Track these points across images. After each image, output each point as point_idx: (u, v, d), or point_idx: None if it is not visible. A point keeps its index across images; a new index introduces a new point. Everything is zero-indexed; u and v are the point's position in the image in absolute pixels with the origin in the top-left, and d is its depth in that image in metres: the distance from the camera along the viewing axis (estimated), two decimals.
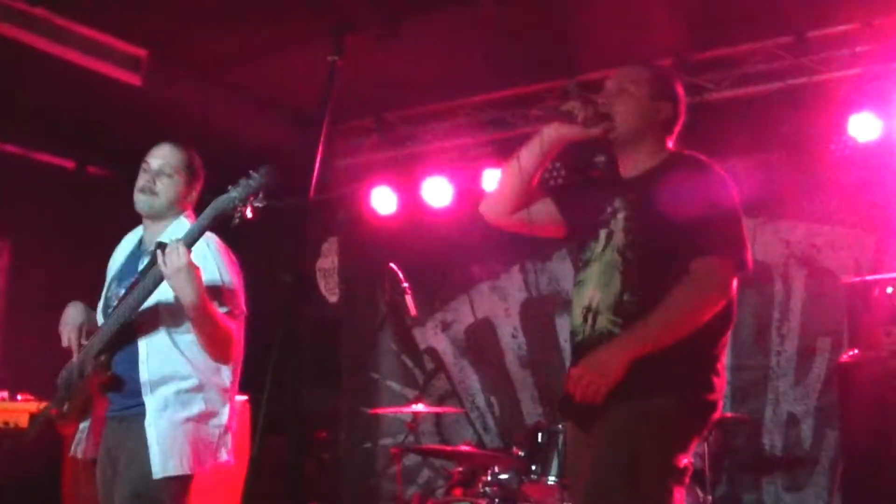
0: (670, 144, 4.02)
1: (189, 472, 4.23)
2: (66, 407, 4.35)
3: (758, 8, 6.93)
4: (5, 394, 5.28)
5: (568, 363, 3.90)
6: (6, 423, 5.23)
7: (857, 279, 6.86)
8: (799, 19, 7.16)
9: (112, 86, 7.35)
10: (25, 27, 6.74)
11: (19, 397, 5.24)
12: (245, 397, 7.98)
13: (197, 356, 4.32)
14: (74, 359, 4.37)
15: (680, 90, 4.08)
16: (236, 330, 4.36)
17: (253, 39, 7.33)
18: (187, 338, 4.31)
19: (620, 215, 3.86)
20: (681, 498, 3.64)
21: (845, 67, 7.33)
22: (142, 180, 4.49)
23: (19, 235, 8.22)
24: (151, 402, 4.25)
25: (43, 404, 4.49)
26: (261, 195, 4.03)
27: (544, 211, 4.13)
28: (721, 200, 3.78)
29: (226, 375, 4.42)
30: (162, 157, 4.52)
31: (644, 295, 3.69)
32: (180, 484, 4.22)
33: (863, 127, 7.27)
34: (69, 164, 8.11)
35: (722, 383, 3.79)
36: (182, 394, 4.28)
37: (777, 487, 7.66)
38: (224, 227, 3.98)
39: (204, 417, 4.31)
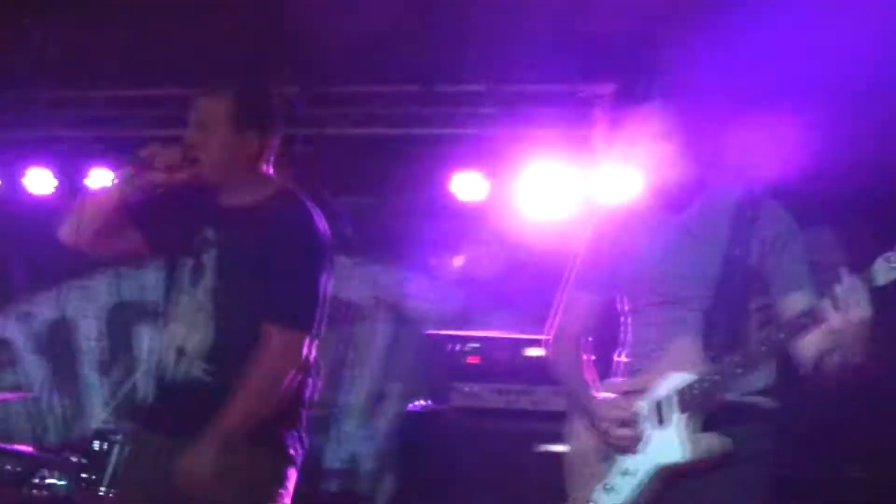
0: (270, 171, 3.83)
1: None
2: None
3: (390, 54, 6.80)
4: None
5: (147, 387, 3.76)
6: None
7: (436, 332, 7.03)
8: (431, 72, 7.15)
9: None
10: None
11: None
12: None
13: None
14: None
15: (272, 112, 3.85)
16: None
17: None
18: None
19: (212, 252, 3.68)
20: None
21: (462, 126, 7.34)
22: None
23: None
24: None
25: None
26: None
27: (131, 238, 3.82)
28: (302, 261, 3.66)
29: None
30: None
31: (236, 346, 3.58)
32: None
33: (465, 185, 7.34)
34: None
35: None
36: None
37: None
38: None
39: None
